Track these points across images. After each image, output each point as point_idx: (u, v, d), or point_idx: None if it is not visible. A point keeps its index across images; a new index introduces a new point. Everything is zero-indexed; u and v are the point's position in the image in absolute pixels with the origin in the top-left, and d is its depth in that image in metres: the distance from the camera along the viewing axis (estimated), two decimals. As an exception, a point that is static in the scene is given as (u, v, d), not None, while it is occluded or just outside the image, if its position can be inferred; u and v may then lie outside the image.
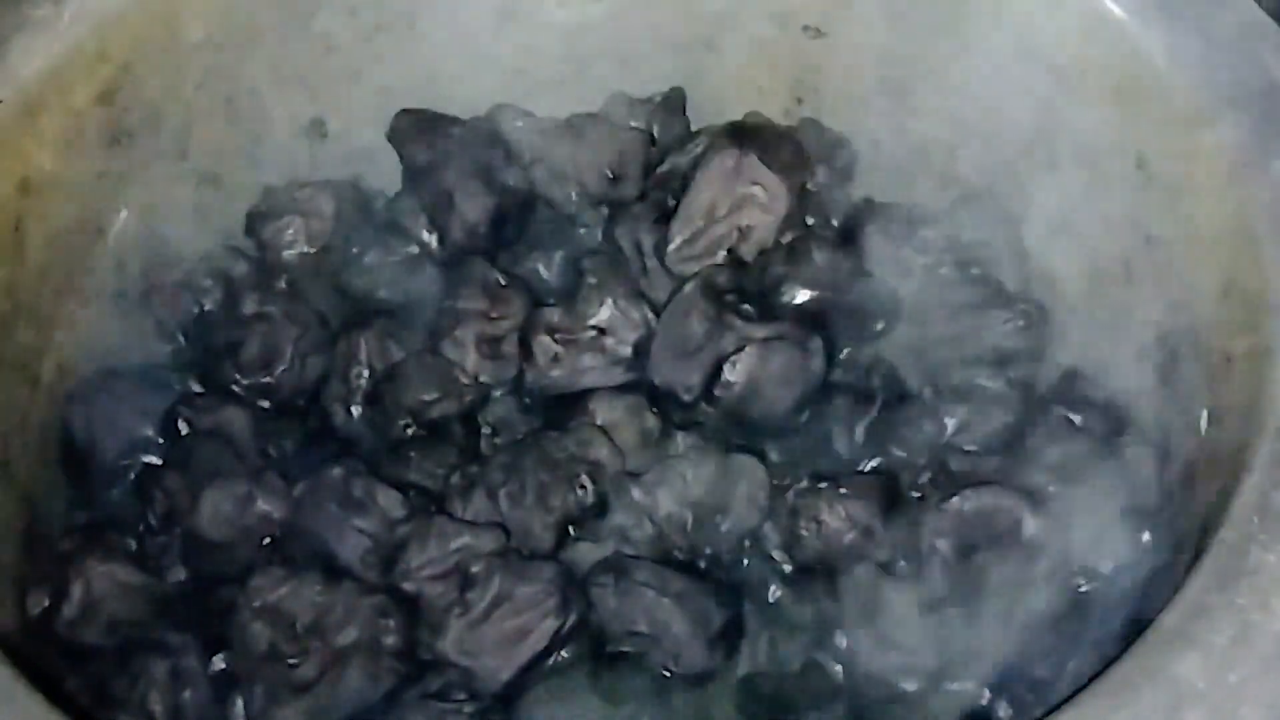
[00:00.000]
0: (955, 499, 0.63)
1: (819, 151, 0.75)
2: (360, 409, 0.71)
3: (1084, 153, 0.68)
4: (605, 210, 0.76)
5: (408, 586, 0.63)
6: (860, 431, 0.68)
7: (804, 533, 0.65)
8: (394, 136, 0.76)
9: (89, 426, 0.68)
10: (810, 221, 0.74)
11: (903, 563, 0.64)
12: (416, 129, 0.76)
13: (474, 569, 0.62)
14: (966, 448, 0.67)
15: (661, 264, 0.71)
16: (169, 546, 0.66)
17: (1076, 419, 0.66)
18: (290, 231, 0.75)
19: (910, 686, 0.60)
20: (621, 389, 0.69)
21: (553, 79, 0.79)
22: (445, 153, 0.75)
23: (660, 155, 0.77)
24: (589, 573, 0.64)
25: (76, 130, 0.67)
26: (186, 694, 0.60)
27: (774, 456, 0.68)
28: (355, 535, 0.64)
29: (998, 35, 0.70)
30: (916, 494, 0.66)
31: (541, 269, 0.75)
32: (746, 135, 0.73)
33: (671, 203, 0.73)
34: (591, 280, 0.70)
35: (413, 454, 0.68)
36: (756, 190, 0.71)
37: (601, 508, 0.65)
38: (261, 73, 0.74)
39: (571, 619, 0.62)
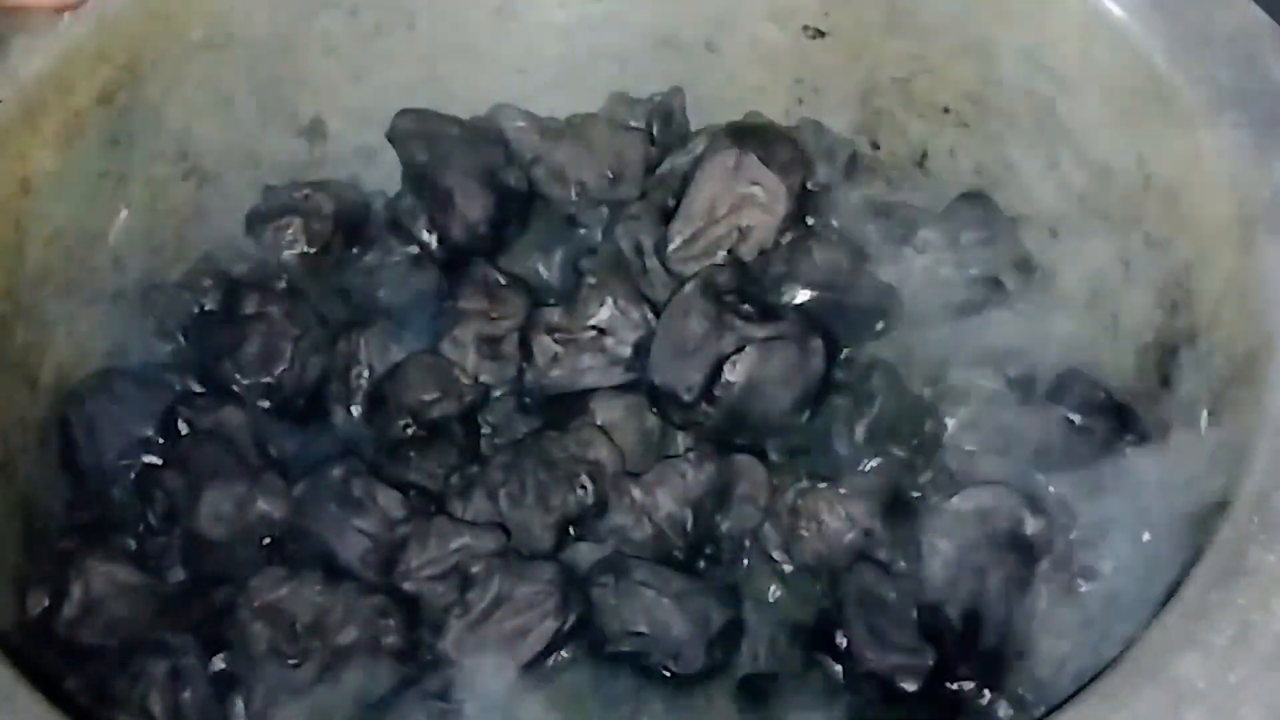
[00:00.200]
0: (955, 499, 0.63)
1: (819, 151, 0.75)
2: (360, 409, 0.71)
3: (1084, 153, 0.68)
4: (605, 210, 0.76)
5: (408, 586, 0.63)
6: (860, 431, 0.68)
7: (804, 533, 0.65)
8: (394, 136, 0.76)
9: (89, 426, 0.68)
10: (810, 221, 0.74)
11: (902, 563, 0.64)
12: (416, 129, 0.76)
13: (474, 569, 0.62)
14: (966, 448, 0.67)
15: (661, 264, 0.71)
16: (169, 546, 0.66)
17: (1076, 419, 0.66)
18: (290, 231, 0.75)
19: (910, 686, 0.60)
20: (621, 389, 0.69)
21: (553, 79, 0.79)
22: (445, 153, 0.75)
23: (660, 155, 0.77)
24: (589, 573, 0.64)
25: (76, 130, 0.67)
26: (186, 694, 0.60)
27: (774, 456, 0.68)
28: (355, 535, 0.64)
29: (998, 35, 0.70)
30: (916, 494, 0.66)
31: (541, 269, 0.75)
32: (746, 135, 0.73)
33: (671, 203, 0.73)
34: (591, 280, 0.70)
35: (413, 454, 0.68)
36: (756, 190, 0.71)
37: (601, 508, 0.65)
38: (261, 73, 0.74)
39: (571, 619, 0.62)
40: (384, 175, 0.78)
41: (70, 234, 0.68)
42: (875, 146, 0.78)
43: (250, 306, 0.72)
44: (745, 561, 0.66)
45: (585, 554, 0.66)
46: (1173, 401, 0.63)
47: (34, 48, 0.64)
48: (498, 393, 0.71)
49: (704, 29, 0.77)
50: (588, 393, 0.69)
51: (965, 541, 0.62)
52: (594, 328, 0.69)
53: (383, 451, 0.69)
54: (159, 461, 0.68)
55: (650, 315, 0.70)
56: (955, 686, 0.60)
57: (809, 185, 0.74)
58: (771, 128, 0.76)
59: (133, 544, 0.66)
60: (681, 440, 0.68)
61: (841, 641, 0.61)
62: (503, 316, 0.71)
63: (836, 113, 0.77)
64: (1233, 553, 0.49)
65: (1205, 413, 0.60)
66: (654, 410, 0.68)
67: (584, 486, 0.65)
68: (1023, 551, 0.62)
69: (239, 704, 0.60)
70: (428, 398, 0.69)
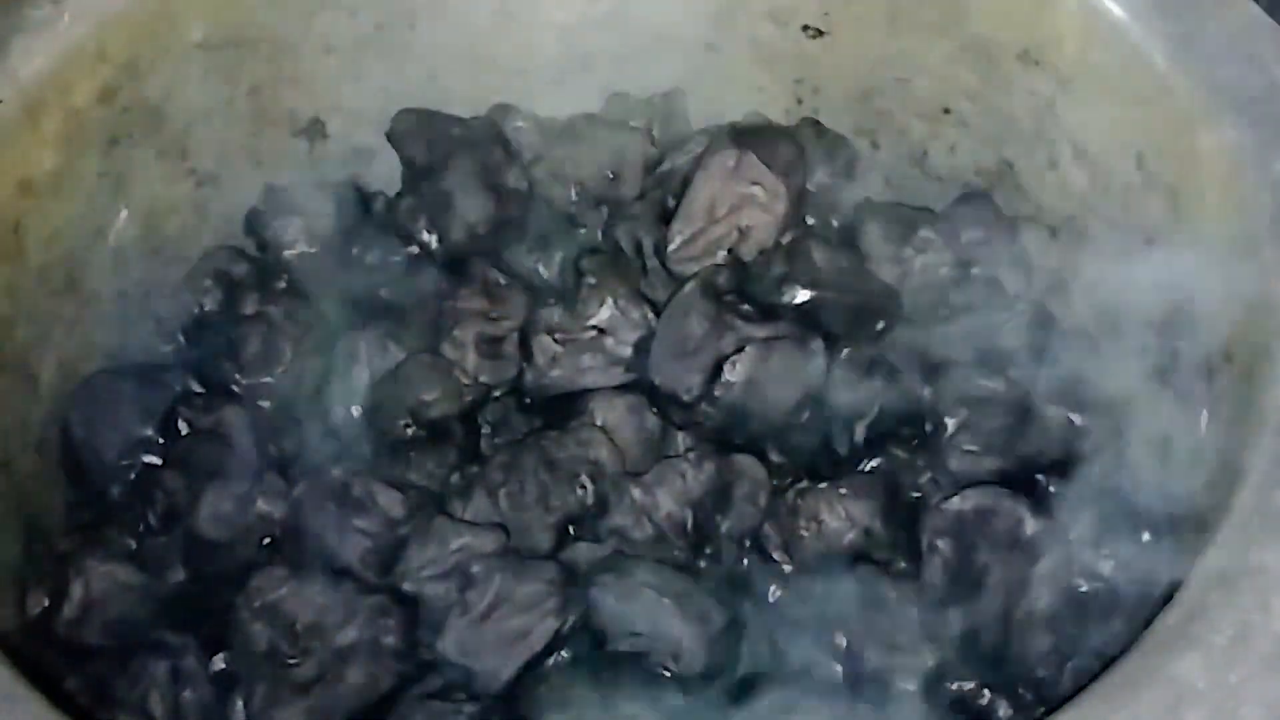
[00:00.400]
0: (955, 499, 0.63)
1: (819, 151, 0.75)
2: (360, 409, 0.70)
3: (1084, 153, 0.68)
4: (605, 210, 0.76)
5: (408, 586, 0.63)
6: (860, 431, 0.68)
7: (804, 533, 0.65)
8: (394, 136, 0.76)
9: (89, 426, 0.68)
10: (810, 221, 0.74)
11: (903, 563, 0.64)
12: (416, 129, 0.76)
13: (474, 569, 0.62)
14: (966, 448, 0.66)
15: (661, 264, 0.71)
16: (169, 546, 0.66)
17: (1076, 419, 0.66)
18: (290, 231, 0.75)
19: (910, 686, 0.60)
20: (621, 389, 0.69)
21: (553, 79, 0.79)
22: (445, 153, 0.75)
23: (660, 155, 0.77)
24: (589, 573, 0.64)
25: (76, 130, 0.67)
26: (186, 694, 0.60)
27: (774, 456, 0.68)
28: (355, 535, 0.64)
29: (998, 35, 0.70)
30: (916, 494, 0.66)
31: (541, 269, 0.75)
32: (746, 135, 0.73)
33: (671, 203, 0.73)
34: (591, 280, 0.70)
35: (413, 454, 0.68)
36: (756, 190, 0.71)
37: (601, 508, 0.65)
38: (261, 73, 0.74)
39: (571, 619, 0.62)
40: (384, 175, 0.78)
41: (70, 234, 0.68)
42: (875, 146, 0.78)
43: (250, 306, 0.72)
44: (745, 561, 0.66)
45: (585, 554, 0.66)
46: (1173, 401, 0.63)
47: (34, 48, 0.64)
48: (498, 393, 0.71)
49: (704, 29, 0.77)
50: (588, 393, 0.69)
51: (965, 541, 0.62)
52: (594, 328, 0.70)
53: (383, 451, 0.69)
54: (159, 461, 0.68)
55: (650, 315, 0.70)
56: (955, 686, 0.60)
57: (809, 185, 0.74)
58: (771, 128, 0.76)
59: (133, 544, 0.66)
60: (681, 440, 0.68)
61: (841, 641, 0.61)
62: (503, 316, 0.71)
63: (836, 113, 0.77)
64: (1233, 553, 0.49)
65: (1205, 413, 0.60)
66: (654, 410, 0.68)
67: (584, 486, 0.65)
68: (1023, 551, 0.62)
69: (239, 704, 0.60)
70: (428, 398, 0.69)
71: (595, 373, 0.69)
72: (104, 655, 0.61)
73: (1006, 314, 0.70)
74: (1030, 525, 0.62)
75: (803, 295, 0.70)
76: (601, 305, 0.69)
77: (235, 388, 0.70)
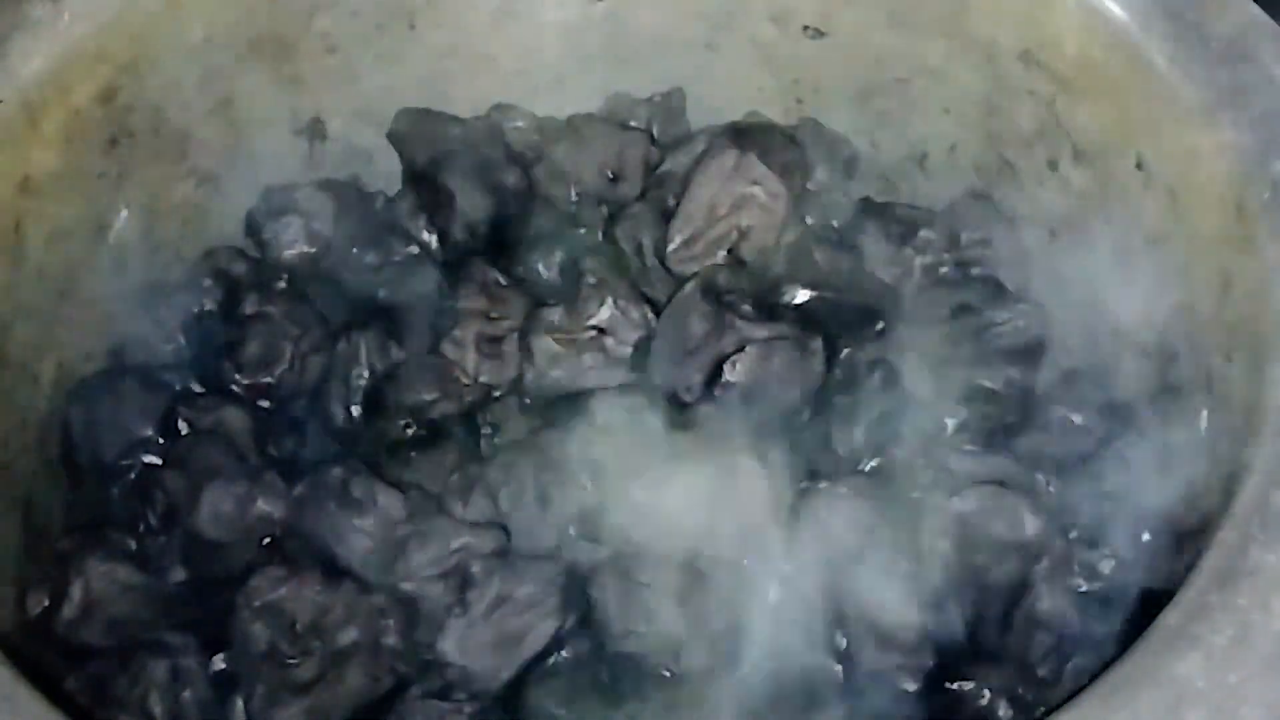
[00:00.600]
0: (955, 499, 0.63)
1: (819, 151, 0.75)
2: (360, 409, 0.70)
3: (1084, 153, 0.68)
4: (605, 210, 0.76)
5: (408, 586, 0.63)
6: (860, 431, 0.68)
7: (804, 532, 0.65)
8: (394, 136, 0.76)
9: (89, 426, 0.68)
10: (810, 221, 0.74)
11: (903, 563, 0.64)
12: (416, 129, 0.76)
13: (474, 569, 0.62)
14: (966, 448, 0.66)
15: (661, 264, 0.71)
16: (169, 546, 0.66)
17: (1076, 419, 0.66)
18: (290, 231, 0.75)
19: (910, 686, 0.60)
20: (621, 389, 0.69)
21: (553, 79, 0.79)
22: (445, 153, 0.75)
23: (660, 155, 0.77)
24: (589, 573, 0.64)
25: (76, 130, 0.67)
26: (186, 694, 0.60)
27: (774, 456, 0.68)
28: (355, 535, 0.64)
29: (998, 35, 0.70)
30: (916, 494, 0.66)
31: (541, 269, 0.75)
32: (746, 135, 0.73)
33: (671, 203, 0.73)
34: (591, 280, 0.70)
35: (413, 454, 0.68)
36: (756, 190, 0.71)
37: (602, 508, 0.65)
38: (261, 73, 0.74)
39: (571, 619, 0.62)
40: (384, 175, 0.78)
41: (70, 234, 0.68)
42: (875, 146, 0.78)
43: (250, 306, 0.72)
44: (746, 561, 0.66)
45: (585, 554, 0.66)
46: (1173, 401, 0.63)
47: (34, 48, 0.64)
48: (498, 393, 0.71)
49: (704, 29, 0.77)
50: (588, 393, 0.69)
51: (965, 541, 0.62)
52: (594, 328, 0.70)
53: (383, 451, 0.69)
54: (159, 461, 0.68)
55: (650, 315, 0.70)
56: (955, 686, 0.60)
57: (809, 185, 0.74)
58: (771, 128, 0.76)
59: (133, 544, 0.66)
60: (681, 440, 0.68)
61: (841, 641, 0.61)
62: (503, 316, 0.71)
63: (836, 113, 0.77)
64: (1233, 553, 0.49)
65: (1205, 413, 0.60)
66: (654, 410, 0.68)
67: (584, 487, 0.65)
68: (1023, 551, 0.62)
69: (239, 704, 0.60)
70: (428, 398, 0.69)
71: (595, 373, 0.69)
72: (104, 655, 0.61)
73: (1006, 314, 0.70)
74: (1030, 525, 0.62)
75: (803, 295, 0.70)
76: (601, 305, 0.70)
77: (235, 388, 0.70)
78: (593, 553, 0.66)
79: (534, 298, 0.72)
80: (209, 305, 0.74)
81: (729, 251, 0.71)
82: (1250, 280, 0.57)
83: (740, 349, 0.66)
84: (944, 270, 0.72)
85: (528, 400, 0.70)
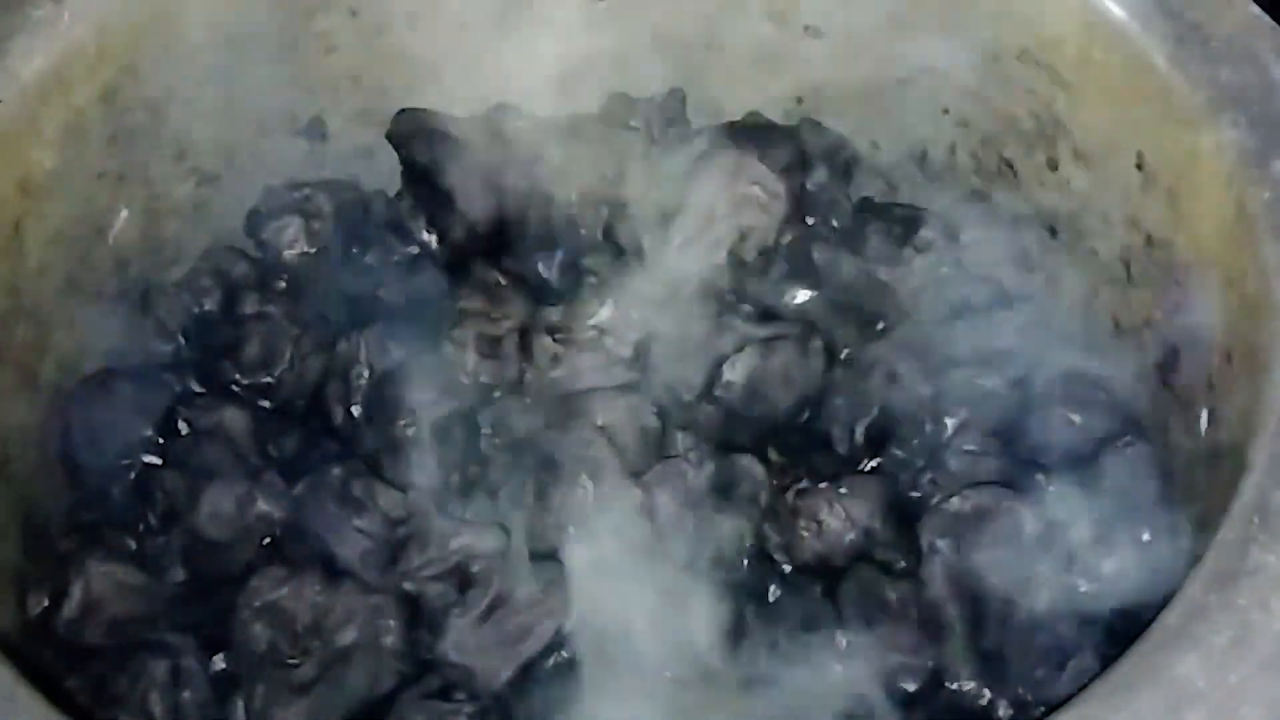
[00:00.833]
0: (955, 499, 0.63)
1: (819, 151, 0.75)
2: (360, 409, 0.70)
3: (1084, 153, 0.68)
4: (605, 210, 0.76)
5: (408, 586, 0.63)
6: (860, 431, 0.68)
7: (804, 533, 0.65)
8: (394, 136, 0.76)
9: (89, 426, 0.68)
10: (810, 221, 0.74)
11: (903, 563, 0.64)
12: (416, 129, 0.76)
13: (474, 569, 0.62)
14: (966, 448, 0.66)
15: (662, 264, 0.71)
16: (169, 546, 0.66)
17: (1076, 419, 0.66)
18: (290, 231, 0.75)
19: (910, 686, 0.60)
20: (621, 389, 0.69)
21: (553, 79, 0.79)
22: (445, 153, 0.75)
23: (660, 155, 0.77)
24: (588, 573, 0.64)
25: (76, 130, 0.67)
26: (186, 694, 0.60)
27: (774, 456, 0.68)
28: (355, 535, 0.64)
29: (998, 35, 0.70)
30: (916, 494, 0.66)
31: (541, 269, 0.75)
32: (746, 135, 0.73)
33: (671, 203, 0.73)
34: (591, 280, 0.70)
35: (413, 454, 0.68)
36: (756, 190, 0.71)
37: (601, 508, 0.65)
38: (261, 73, 0.74)
39: (571, 619, 0.62)
40: (384, 175, 0.78)
41: (70, 234, 0.68)
42: (875, 146, 0.78)
43: (250, 306, 0.72)
44: (745, 561, 0.66)
45: (584, 554, 0.66)
46: (1173, 401, 0.63)
47: (34, 48, 0.64)
48: (497, 393, 0.71)
49: (704, 29, 0.77)
50: (588, 393, 0.69)
51: (965, 541, 0.62)
52: (594, 328, 0.69)
53: (383, 451, 0.69)
54: (159, 461, 0.68)
55: (650, 315, 0.70)
56: (955, 686, 0.60)
57: (809, 185, 0.74)
58: (771, 128, 0.76)
59: (133, 544, 0.66)
60: (681, 440, 0.68)
61: (841, 641, 0.61)
62: (503, 316, 0.71)
63: (836, 113, 0.77)
64: (1233, 553, 0.49)
65: (1205, 413, 0.60)
66: (654, 410, 0.68)
67: (584, 487, 0.65)
68: (1023, 551, 0.62)
69: (239, 704, 0.60)
70: (428, 398, 0.69)
71: (595, 373, 0.69)
72: (104, 655, 0.61)
73: (1006, 314, 0.70)
74: (1030, 525, 0.62)
75: (803, 295, 0.70)
76: (601, 305, 0.69)
77: (235, 388, 0.70)
78: (592, 553, 0.66)
79: (534, 298, 0.72)
80: (209, 305, 0.74)
81: (729, 251, 0.71)
82: (1250, 280, 0.57)
83: (740, 349, 0.66)
84: (944, 270, 0.71)
85: (528, 400, 0.70)
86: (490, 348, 0.70)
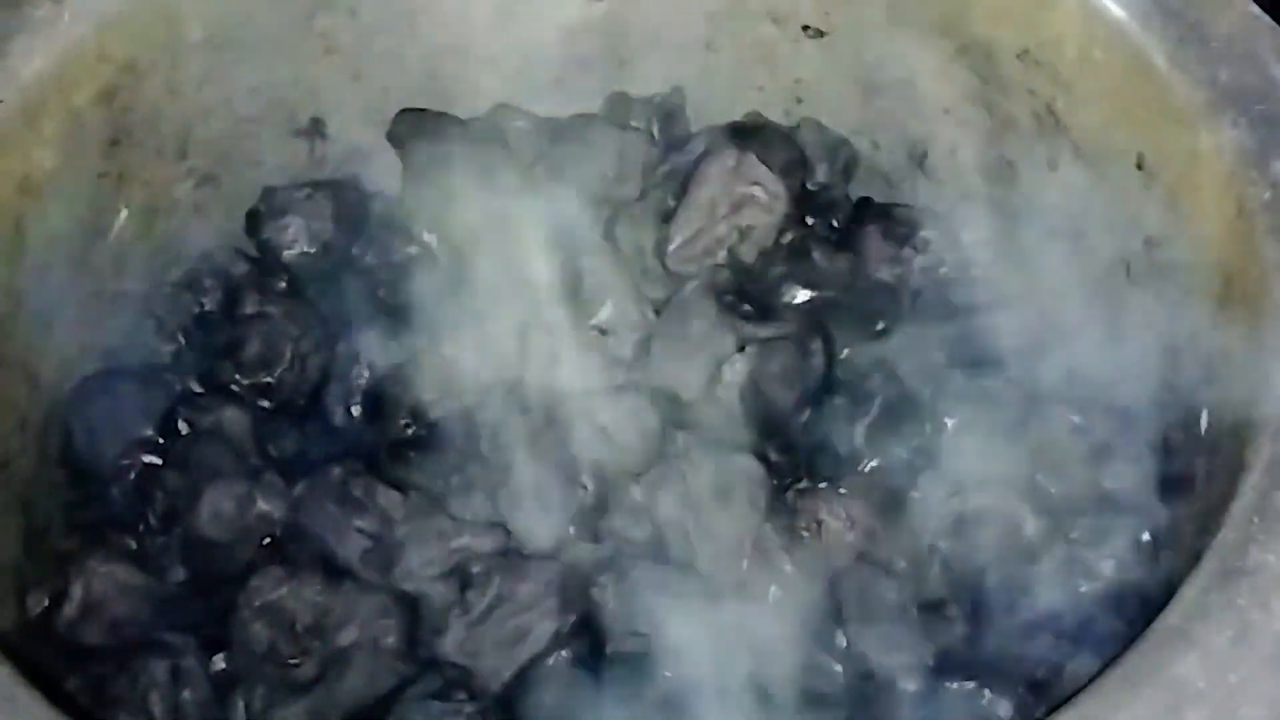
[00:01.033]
0: (955, 499, 0.63)
1: (819, 151, 0.75)
2: (360, 409, 0.70)
3: (1084, 153, 0.68)
4: (605, 210, 0.76)
5: (408, 586, 0.63)
6: (860, 431, 0.68)
7: (804, 533, 0.65)
8: (394, 136, 0.76)
9: (89, 426, 0.68)
10: (810, 221, 0.74)
11: (903, 563, 0.64)
12: (416, 129, 0.76)
13: (474, 569, 0.62)
14: (966, 447, 0.66)
15: (661, 264, 0.71)
16: (169, 546, 0.66)
17: (1076, 419, 0.66)
18: (290, 231, 0.75)
19: (910, 686, 0.60)
20: (621, 389, 0.69)
21: (553, 79, 0.79)
22: (445, 153, 0.75)
23: (660, 155, 0.77)
24: (589, 573, 0.64)
25: (76, 130, 0.67)
26: (186, 694, 0.60)
27: (774, 456, 0.68)
28: (355, 535, 0.64)
29: (998, 35, 0.70)
30: (916, 494, 0.66)
31: (542, 269, 0.75)
32: (746, 135, 0.73)
33: (671, 203, 0.73)
34: (591, 280, 0.70)
35: (413, 454, 0.68)
36: (756, 190, 0.71)
37: (601, 508, 0.65)
38: (261, 73, 0.74)
39: (571, 619, 0.62)
40: (384, 175, 0.78)
41: (70, 234, 0.68)
42: (875, 146, 0.78)
43: (250, 306, 0.72)
44: (745, 562, 0.66)
45: (585, 554, 0.66)
46: (1173, 401, 0.63)
47: (34, 48, 0.64)
48: (497, 393, 0.71)
49: (704, 29, 0.77)
50: (588, 393, 0.69)
51: (965, 541, 0.62)
52: (594, 328, 0.69)
53: (383, 451, 0.69)
54: (159, 461, 0.68)
55: (650, 315, 0.70)
56: (955, 686, 0.60)
57: (809, 185, 0.74)
58: (771, 128, 0.76)
59: (133, 544, 0.66)
60: (681, 440, 0.68)
61: (841, 641, 0.61)
62: (503, 317, 0.71)
63: (836, 113, 0.77)
64: (1233, 553, 0.49)
65: (1205, 413, 0.60)
66: (654, 410, 0.68)
67: (584, 486, 0.65)
68: (1023, 551, 0.62)
69: (239, 704, 0.60)
70: (428, 398, 0.69)
71: (595, 373, 0.69)
72: (104, 655, 0.61)
73: (1006, 314, 0.70)
74: (1030, 525, 0.62)
75: (803, 295, 0.70)
76: (601, 305, 0.69)
77: (235, 388, 0.70)
78: (593, 553, 0.66)
79: (534, 298, 0.72)
80: (209, 305, 0.74)
81: (729, 251, 0.71)
82: (1250, 280, 0.57)
83: (740, 349, 0.66)
84: (944, 270, 0.71)
85: (528, 400, 0.70)
86: (490, 349, 0.70)
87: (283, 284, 0.74)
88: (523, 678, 0.61)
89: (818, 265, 0.71)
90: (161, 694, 0.59)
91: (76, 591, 0.63)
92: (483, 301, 0.71)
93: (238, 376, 0.71)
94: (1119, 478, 0.63)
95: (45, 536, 0.66)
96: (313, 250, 0.75)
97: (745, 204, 0.71)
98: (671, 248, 0.71)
